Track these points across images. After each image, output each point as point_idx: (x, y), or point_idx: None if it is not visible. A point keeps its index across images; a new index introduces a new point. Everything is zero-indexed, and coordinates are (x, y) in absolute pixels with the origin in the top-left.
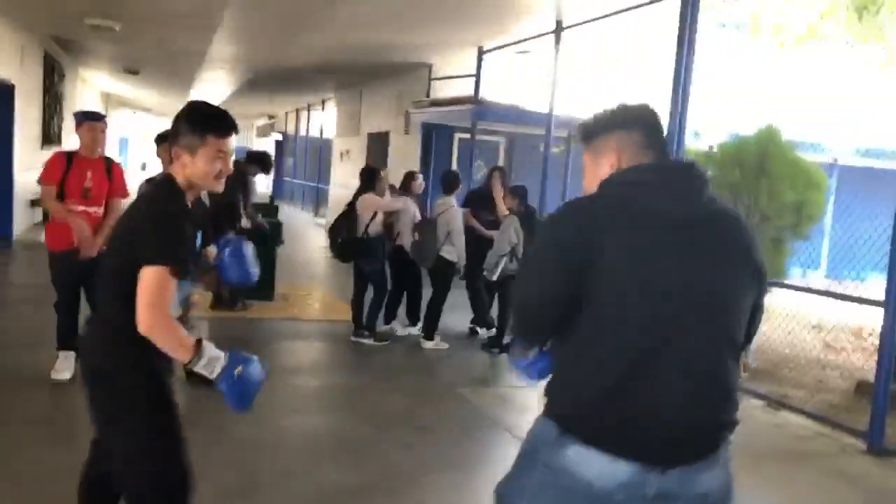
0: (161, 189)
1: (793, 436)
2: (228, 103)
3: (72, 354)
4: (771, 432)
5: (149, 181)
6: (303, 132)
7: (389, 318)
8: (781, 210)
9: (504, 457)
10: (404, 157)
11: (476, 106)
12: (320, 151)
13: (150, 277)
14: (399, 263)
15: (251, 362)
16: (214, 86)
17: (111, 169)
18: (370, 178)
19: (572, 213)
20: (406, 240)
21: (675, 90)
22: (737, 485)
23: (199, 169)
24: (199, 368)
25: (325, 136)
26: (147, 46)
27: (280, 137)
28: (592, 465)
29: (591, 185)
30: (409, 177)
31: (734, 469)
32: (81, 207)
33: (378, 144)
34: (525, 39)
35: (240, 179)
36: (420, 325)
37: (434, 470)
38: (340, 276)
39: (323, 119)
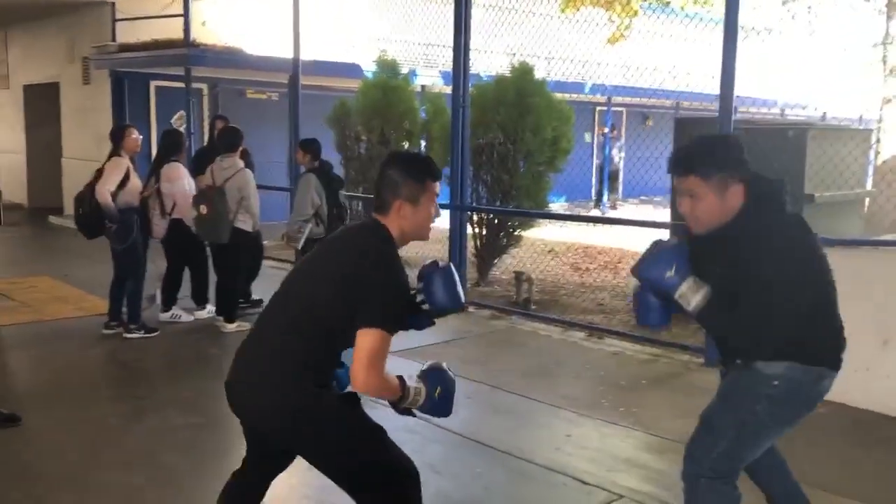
0: (387, 247)
1: (637, 361)
2: None
3: None
4: (615, 361)
5: (363, 228)
6: None
7: (169, 303)
8: (541, 145)
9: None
10: (86, 111)
11: (192, 50)
12: None
13: (374, 340)
14: (177, 240)
15: (443, 375)
16: None
17: None
18: (116, 138)
19: None
20: (185, 212)
21: None
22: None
23: (420, 218)
24: (406, 405)
25: None
26: None
27: None
28: (828, 384)
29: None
30: (122, 133)
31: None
32: None
33: (41, 98)
34: None
35: None
36: (209, 307)
37: None
38: (56, 257)
39: None
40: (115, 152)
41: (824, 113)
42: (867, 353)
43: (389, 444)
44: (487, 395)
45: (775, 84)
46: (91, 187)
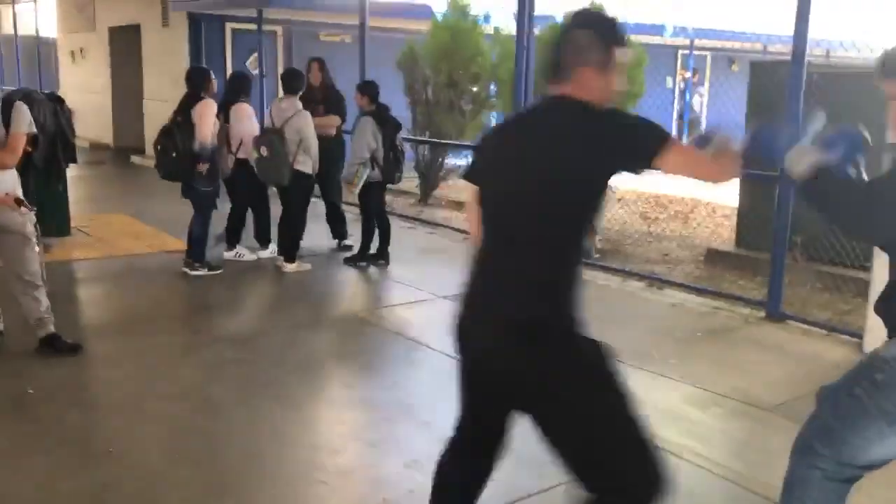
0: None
1: (696, 313)
2: None
3: None
4: (672, 312)
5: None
6: (7, 31)
7: (234, 242)
8: None
9: (436, 370)
10: (165, 55)
11: None
12: (39, 54)
13: (685, 152)
14: (242, 180)
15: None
16: None
17: None
18: (201, 81)
19: None
20: (250, 153)
21: None
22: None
23: (610, 89)
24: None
25: (42, 34)
26: None
27: None
28: None
29: None
30: (207, 76)
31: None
32: None
33: (125, 41)
34: None
35: None
36: (272, 246)
37: (437, 399)
38: (135, 195)
39: (34, 15)
40: (197, 95)
41: None
42: None
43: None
44: None
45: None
46: (176, 129)
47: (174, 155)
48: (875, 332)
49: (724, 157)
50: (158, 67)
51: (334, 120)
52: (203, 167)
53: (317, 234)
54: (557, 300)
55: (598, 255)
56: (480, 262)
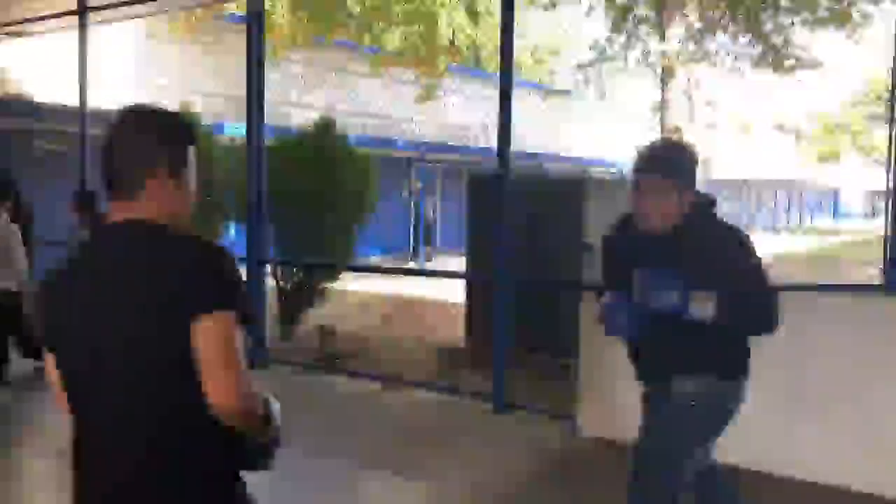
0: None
1: (431, 410)
2: None
3: None
4: (409, 412)
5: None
6: None
7: None
8: (345, 200)
9: None
10: None
11: None
12: None
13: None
14: None
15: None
16: None
17: None
18: None
19: None
20: None
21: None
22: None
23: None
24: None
25: None
26: None
27: None
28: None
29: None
30: None
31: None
32: None
33: None
34: (35, 19)
35: None
36: None
37: None
38: None
39: None
40: None
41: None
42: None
43: None
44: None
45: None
46: None
47: None
48: (587, 414)
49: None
50: None
51: None
52: None
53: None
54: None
55: (339, 361)
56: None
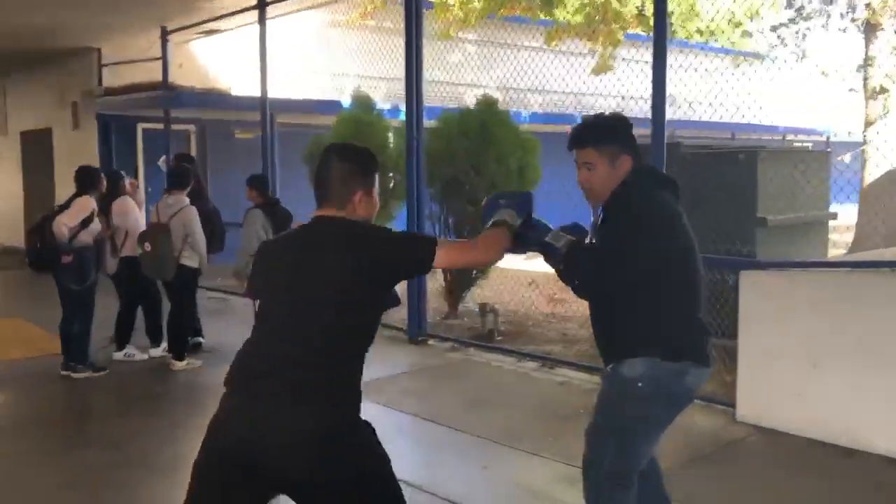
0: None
1: (581, 391)
2: None
3: None
4: (559, 391)
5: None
6: None
7: (123, 342)
8: (507, 176)
9: None
10: (75, 155)
11: (168, 92)
12: None
13: (442, 251)
14: (128, 277)
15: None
16: None
17: None
18: (86, 180)
19: None
20: (133, 249)
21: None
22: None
23: (374, 206)
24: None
25: None
26: None
27: None
28: (693, 380)
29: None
30: (96, 175)
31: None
32: None
33: (37, 144)
34: (223, 16)
35: None
36: (164, 344)
37: None
38: (36, 300)
39: None
40: (84, 191)
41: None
42: (797, 378)
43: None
44: (416, 427)
45: (774, 110)
46: (47, 220)
47: (38, 245)
48: (745, 401)
49: (489, 236)
50: (70, 170)
51: None
52: (66, 259)
53: (216, 331)
54: (340, 409)
55: (500, 338)
56: (257, 365)
